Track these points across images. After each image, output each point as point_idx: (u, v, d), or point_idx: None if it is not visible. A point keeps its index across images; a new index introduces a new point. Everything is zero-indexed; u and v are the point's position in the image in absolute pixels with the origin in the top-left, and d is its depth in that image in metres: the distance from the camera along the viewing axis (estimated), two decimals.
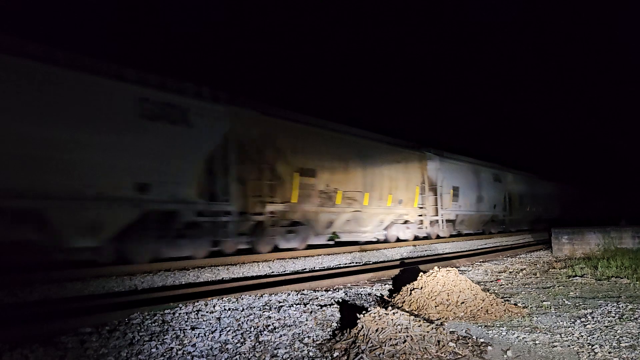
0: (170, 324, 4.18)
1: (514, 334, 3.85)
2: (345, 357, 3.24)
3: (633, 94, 77.48)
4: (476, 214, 20.15)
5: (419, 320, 3.55)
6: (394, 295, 5.24)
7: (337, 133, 13.23)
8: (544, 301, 5.21)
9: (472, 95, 76.50)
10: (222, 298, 5.27)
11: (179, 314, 4.53)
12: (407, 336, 3.30)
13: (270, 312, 4.56)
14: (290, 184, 11.26)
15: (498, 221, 22.49)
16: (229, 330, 3.95)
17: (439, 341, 3.32)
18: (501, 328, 4.02)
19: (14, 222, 6.91)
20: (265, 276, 7.64)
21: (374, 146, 14.54)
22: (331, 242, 13.37)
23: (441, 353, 3.21)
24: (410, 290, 4.85)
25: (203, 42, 48.95)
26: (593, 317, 4.39)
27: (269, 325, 4.11)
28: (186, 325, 4.14)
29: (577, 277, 6.96)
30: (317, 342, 3.64)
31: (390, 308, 3.79)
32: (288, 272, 8.40)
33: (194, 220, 9.24)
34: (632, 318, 4.33)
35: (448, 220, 17.91)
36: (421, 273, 5.03)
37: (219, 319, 4.35)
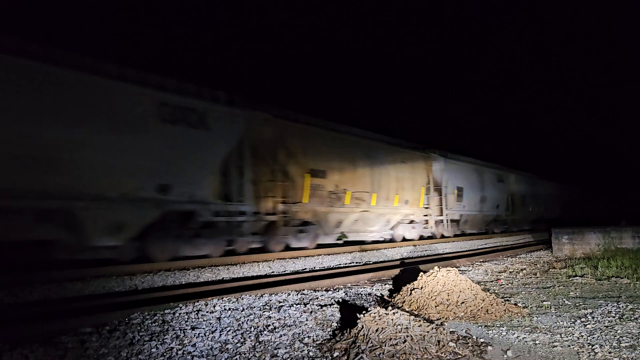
0: (171, 323, 4.18)
1: (514, 334, 3.85)
2: (346, 357, 3.24)
3: (633, 94, 77.60)
4: (480, 214, 20.22)
5: (419, 320, 3.55)
6: (394, 295, 5.24)
7: (346, 135, 13.32)
8: (544, 301, 5.21)
9: (472, 95, 76.64)
10: (222, 298, 5.27)
11: (179, 314, 4.53)
12: (407, 336, 3.30)
13: (271, 312, 4.57)
14: (302, 185, 11.39)
15: (501, 221, 22.59)
16: (229, 330, 3.95)
17: (439, 341, 3.32)
18: (501, 328, 4.02)
19: (40, 221, 7.14)
20: (266, 276, 7.64)
21: (381, 147, 14.62)
22: (339, 242, 13.47)
23: (441, 353, 3.21)
24: (411, 290, 4.85)
25: (203, 42, 49.01)
26: (593, 317, 4.39)
27: (269, 325, 4.11)
28: (186, 325, 4.14)
29: (577, 277, 6.95)
30: (317, 342, 3.64)
31: (390, 308, 3.79)
32: (288, 272, 8.40)
33: (211, 220, 9.43)
34: (632, 318, 4.33)
35: (452, 220, 17.97)
36: (421, 273, 5.03)
37: (219, 318, 4.36)
